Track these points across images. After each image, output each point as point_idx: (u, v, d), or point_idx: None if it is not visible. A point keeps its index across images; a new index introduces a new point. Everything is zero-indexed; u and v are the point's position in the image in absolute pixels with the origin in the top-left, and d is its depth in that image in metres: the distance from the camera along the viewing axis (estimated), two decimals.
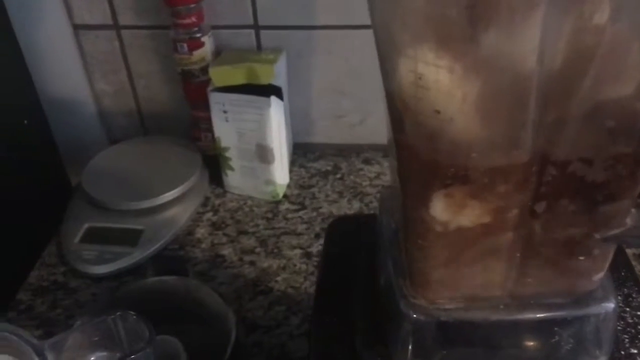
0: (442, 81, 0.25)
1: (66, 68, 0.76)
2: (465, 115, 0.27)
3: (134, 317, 0.36)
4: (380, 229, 0.40)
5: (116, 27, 0.74)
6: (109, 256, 0.63)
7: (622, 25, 0.22)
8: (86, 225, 0.67)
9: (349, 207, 0.71)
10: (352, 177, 0.76)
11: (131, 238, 0.65)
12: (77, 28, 0.74)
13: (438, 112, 0.26)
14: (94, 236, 0.66)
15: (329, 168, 0.77)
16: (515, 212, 0.30)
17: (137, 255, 0.64)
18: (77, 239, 0.66)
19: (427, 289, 0.33)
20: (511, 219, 0.30)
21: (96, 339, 0.36)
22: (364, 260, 0.44)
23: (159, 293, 0.53)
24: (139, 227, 0.67)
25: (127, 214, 0.68)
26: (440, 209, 0.30)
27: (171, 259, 0.64)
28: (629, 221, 0.30)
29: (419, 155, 0.29)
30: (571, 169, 0.28)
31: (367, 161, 0.78)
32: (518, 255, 0.32)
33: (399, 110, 0.28)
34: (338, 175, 0.76)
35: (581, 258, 0.31)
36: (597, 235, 0.30)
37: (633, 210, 0.30)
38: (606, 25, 0.22)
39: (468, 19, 0.23)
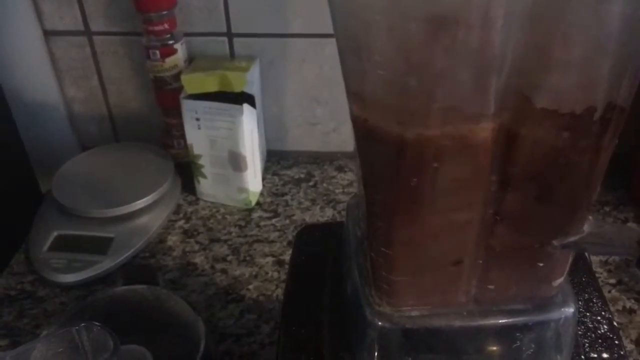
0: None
1: (36, 74, 0.75)
2: (429, 120, 0.27)
3: (99, 327, 0.35)
4: (347, 237, 0.40)
5: (87, 33, 0.73)
6: (78, 264, 0.63)
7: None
8: (55, 233, 0.66)
9: (322, 214, 0.71)
10: (325, 184, 0.76)
11: (101, 246, 0.65)
12: (47, 34, 0.73)
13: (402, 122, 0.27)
14: (63, 244, 0.65)
15: (302, 175, 0.78)
16: (476, 220, 0.31)
17: (107, 263, 0.63)
18: (45, 247, 0.65)
19: (392, 297, 0.34)
20: (473, 227, 0.31)
21: (60, 350, 0.35)
22: (331, 268, 0.44)
23: (128, 302, 0.52)
24: (110, 235, 0.66)
25: (97, 222, 0.67)
26: (403, 218, 0.30)
27: (141, 268, 0.63)
28: (586, 228, 0.31)
29: (382, 165, 0.29)
30: (529, 180, 0.28)
31: (340, 169, 0.79)
32: (480, 262, 0.32)
33: (363, 117, 0.29)
34: (311, 183, 0.76)
35: (540, 264, 0.32)
36: (556, 242, 0.31)
37: (590, 217, 0.31)
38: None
39: (427, 33, 0.24)
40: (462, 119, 0.26)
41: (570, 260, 0.33)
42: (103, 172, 0.73)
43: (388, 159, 0.28)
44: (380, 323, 0.34)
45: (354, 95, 0.29)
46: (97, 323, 0.35)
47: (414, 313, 0.34)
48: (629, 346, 0.55)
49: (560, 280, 0.33)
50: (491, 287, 0.33)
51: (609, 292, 0.60)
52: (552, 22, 0.23)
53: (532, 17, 0.23)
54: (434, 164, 0.28)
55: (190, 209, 0.73)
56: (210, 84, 0.66)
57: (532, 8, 0.23)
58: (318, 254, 0.47)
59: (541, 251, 0.31)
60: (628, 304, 0.59)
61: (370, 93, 0.27)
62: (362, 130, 0.29)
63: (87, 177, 0.72)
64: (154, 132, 0.78)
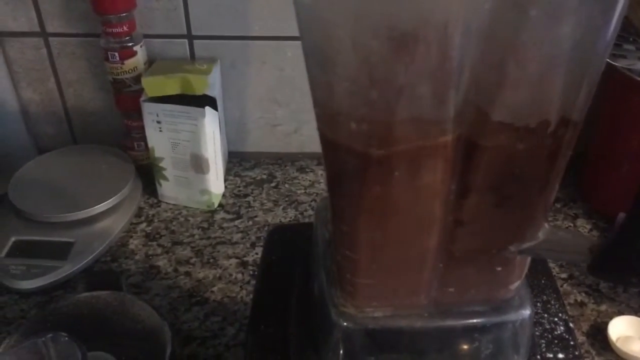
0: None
1: None
2: (391, 132, 0.28)
3: (66, 338, 0.35)
4: (315, 239, 0.41)
5: (43, 34, 0.72)
6: (37, 270, 0.62)
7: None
8: (13, 239, 0.65)
9: (284, 215, 0.72)
10: (287, 185, 0.77)
11: (61, 251, 0.64)
12: (1, 35, 0.72)
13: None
14: (21, 250, 0.64)
15: (264, 176, 0.78)
16: (437, 226, 0.32)
17: (67, 269, 0.62)
18: (3, 253, 0.64)
19: (356, 298, 0.35)
20: (434, 233, 0.32)
21: None
22: (300, 269, 0.44)
23: (92, 308, 0.52)
24: (70, 239, 0.65)
25: (56, 226, 0.66)
26: (366, 223, 0.31)
27: (103, 273, 0.63)
28: (541, 235, 0.32)
29: (347, 174, 0.30)
30: (487, 189, 0.30)
31: (301, 169, 0.79)
32: (440, 265, 0.33)
33: (329, 129, 0.30)
34: (273, 184, 0.77)
35: (498, 269, 0.33)
36: (512, 248, 0.32)
37: (545, 224, 0.32)
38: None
39: (388, 49, 0.25)
40: (423, 131, 0.27)
41: (527, 264, 0.34)
42: (61, 175, 0.72)
43: (352, 168, 0.29)
44: (344, 323, 0.35)
45: (320, 107, 0.29)
46: (64, 334, 0.35)
47: (377, 314, 0.35)
48: (580, 338, 0.58)
49: (517, 284, 0.34)
50: (451, 289, 0.34)
51: (561, 286, 0.63)
52: (507, 41, 0.24)
53: (487, 36, 0.24)
54: (396, 173, 0.29)
55: (152, 212, 0.72)
56: (172, 87, 0.66)
57: (488, 27, 0.24)
58: (288, 254, 0.47)
59: (499, 256, 0.32)
60: (579, 298, 0.62)
61: (336, 105, 0.28)
62: (328, 141, 0.29)
63: (44, 180, 0.71)
64: (113, 134, 0.77)
